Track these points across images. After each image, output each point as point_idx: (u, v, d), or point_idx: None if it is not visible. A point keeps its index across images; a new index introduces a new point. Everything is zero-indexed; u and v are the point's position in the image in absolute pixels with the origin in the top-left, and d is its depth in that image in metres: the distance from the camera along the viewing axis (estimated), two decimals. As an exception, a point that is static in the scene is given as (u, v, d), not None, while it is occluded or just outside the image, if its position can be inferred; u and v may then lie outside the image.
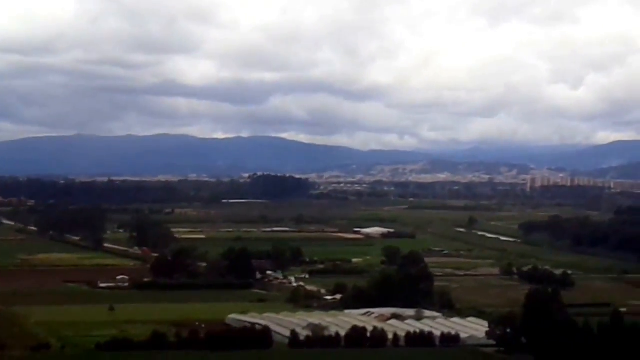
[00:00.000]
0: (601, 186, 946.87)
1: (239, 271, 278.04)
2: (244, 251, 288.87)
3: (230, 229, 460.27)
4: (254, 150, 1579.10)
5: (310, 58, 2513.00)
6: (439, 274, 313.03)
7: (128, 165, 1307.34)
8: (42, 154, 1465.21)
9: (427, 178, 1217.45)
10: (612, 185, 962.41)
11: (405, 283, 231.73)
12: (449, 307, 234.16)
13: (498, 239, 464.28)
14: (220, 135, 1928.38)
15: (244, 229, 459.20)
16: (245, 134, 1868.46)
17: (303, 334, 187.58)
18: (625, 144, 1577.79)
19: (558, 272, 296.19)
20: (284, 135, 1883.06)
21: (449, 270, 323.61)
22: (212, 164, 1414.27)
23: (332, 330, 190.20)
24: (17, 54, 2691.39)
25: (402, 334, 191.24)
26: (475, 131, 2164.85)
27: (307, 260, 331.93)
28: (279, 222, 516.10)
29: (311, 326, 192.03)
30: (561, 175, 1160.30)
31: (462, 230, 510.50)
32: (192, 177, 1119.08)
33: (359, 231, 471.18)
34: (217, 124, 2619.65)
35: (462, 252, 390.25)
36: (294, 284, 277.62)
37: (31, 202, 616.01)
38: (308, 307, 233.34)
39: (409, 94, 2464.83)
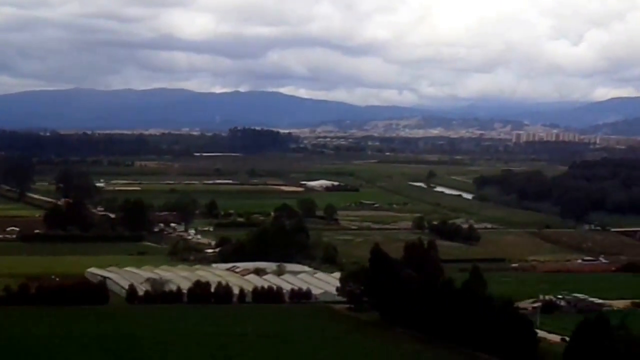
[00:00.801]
0: (586, 142, 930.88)
1: (134, 223, 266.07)
2: (138, 203, 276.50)
3: (172, 182, 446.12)
4: (252, 105, 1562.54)
5: (307, 12, 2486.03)
6: (353, 227, 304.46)
7: (126, 118, 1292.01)
8: (40, 108, 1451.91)
9: (419, 133, 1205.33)
10: (597, 141, 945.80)
11: (278, 236, 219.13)
12: (331, 262, 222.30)
13: (443, 192, 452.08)
14: (218, 89, 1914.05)
15: (186, 182, 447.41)
16: (243, 89, 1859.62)
17: (142, 288, 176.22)
18: (622, 101, 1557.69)
19: (465, 225, 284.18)
20: (283, 90, 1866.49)
21: (366, 224, 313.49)
22: (209, 119, 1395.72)
23: (174, 285, 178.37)
24: (11, 7, 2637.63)
25: (249, 289, 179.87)
26: (474, 87, 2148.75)
27: (222, 212, 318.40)
28: (231, 175, 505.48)
29: (150, 280, 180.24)
30: (555, 131, 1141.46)
31: (416, 184, 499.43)
32: (185, 130, 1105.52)
33: (304, 184, 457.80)
34: (215, 78, 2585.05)
35: (394, 206, 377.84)
36: (191, 237, 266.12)
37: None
38: (184, 261, 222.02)
39: (407, 49, 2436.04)
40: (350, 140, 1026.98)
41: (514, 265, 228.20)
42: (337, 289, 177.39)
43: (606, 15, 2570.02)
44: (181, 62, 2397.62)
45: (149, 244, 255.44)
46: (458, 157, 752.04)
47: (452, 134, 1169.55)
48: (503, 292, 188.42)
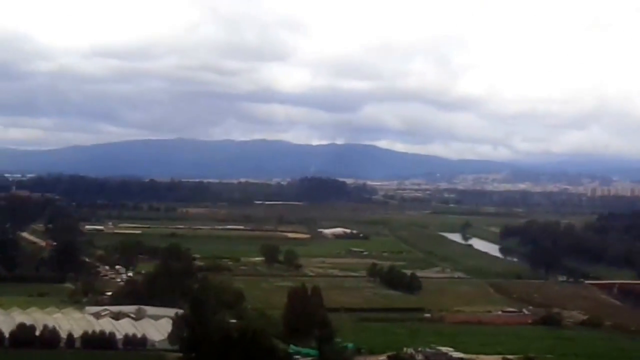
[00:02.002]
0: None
1: (63, 263, 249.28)
2: (70, 244, 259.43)
3: (182, 226, 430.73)
4: (347, 157, 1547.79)
5: (401, 68, 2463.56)
6: (310, 274, 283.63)
7: (225, 168, 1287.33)
8: (144, 156, 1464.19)
9: (506, 187, 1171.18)
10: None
11: (162, 280, 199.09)
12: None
13: (457, 243, 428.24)
14: (315, 141, 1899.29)
15: (195, 227, 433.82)
16: (339, 141, 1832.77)
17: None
18: None
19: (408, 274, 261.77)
20: (379, 144, 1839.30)
21: (330, 271, 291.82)
22: (304, 169, 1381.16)
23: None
24: (116, 59, 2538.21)
25: (79, 333, 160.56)
26: (568, 143, 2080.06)
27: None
28: (260, 222, 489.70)
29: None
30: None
31: (450, 234, 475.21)
32: (275, 180, 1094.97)
33: (321, 232, 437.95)
34: (312, 130, 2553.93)
35: (385, 254, 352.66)
36: (120, 280, 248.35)
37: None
38: (76, 303, 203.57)
39: (499, 105, 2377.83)
40: (427, 192, 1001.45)
41: (426, 315, 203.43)
42: (169, 336, 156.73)
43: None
44: (279, 114, 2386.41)
45: (69, 285, 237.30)
46: (518, 209, 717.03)
47: (539, 189, 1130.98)
48: (375, 343, 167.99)
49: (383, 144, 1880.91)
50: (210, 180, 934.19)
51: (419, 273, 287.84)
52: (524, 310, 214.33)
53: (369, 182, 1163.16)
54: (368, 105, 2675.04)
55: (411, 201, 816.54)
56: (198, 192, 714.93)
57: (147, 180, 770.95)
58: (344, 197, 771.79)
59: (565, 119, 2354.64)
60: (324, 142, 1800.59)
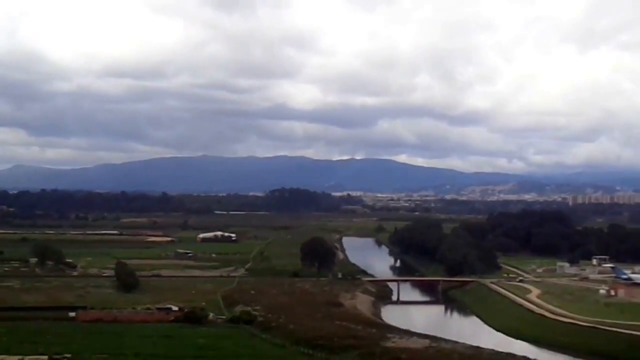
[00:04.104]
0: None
1: None
2: None
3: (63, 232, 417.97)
4: (365, 171, 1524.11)
5: (408, 83, 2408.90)
6: (74, 273, 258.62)
7: (247, 184, 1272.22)
8: (172, 173, 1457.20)
9: (511, 198, 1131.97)
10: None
11: None
12: None
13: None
14: (335, 157, 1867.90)
15: (69, 232, 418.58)
16: (359, 156, 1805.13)
17: None
18: None
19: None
20: (399, 158, 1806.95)
21: (106, 272, 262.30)
22: (323, 183, 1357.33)
23: None
24: (128, 78, 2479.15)
25: None
26: (581, 155, 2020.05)
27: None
28: (164, 229, 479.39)
29: None
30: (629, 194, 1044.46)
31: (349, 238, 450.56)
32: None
33: (202, 237, 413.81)
34: (332, 146, 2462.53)
35: (214, 255, 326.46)
36: None
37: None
38: None
39: (508, 118, 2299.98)
40: (417, 202, 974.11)
41: (70, 314, 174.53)
42: None
43: None
44: (298, 130, 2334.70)
45: None
46: (470, 216, 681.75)
47: (542, 199, 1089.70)
48: None
49: (402, 158, 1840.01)
50: (210, 194, 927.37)
51: (206, 272, 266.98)
52: (173, 307, 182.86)
53: (379, 195, 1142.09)
54: (382, 121, 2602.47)
55: (379, 210, 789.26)
56: (162, 204, 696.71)
57: (117, 193, 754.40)
58: (312, 207, 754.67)
59: (574, 131, 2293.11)
60: (344, 157, 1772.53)
